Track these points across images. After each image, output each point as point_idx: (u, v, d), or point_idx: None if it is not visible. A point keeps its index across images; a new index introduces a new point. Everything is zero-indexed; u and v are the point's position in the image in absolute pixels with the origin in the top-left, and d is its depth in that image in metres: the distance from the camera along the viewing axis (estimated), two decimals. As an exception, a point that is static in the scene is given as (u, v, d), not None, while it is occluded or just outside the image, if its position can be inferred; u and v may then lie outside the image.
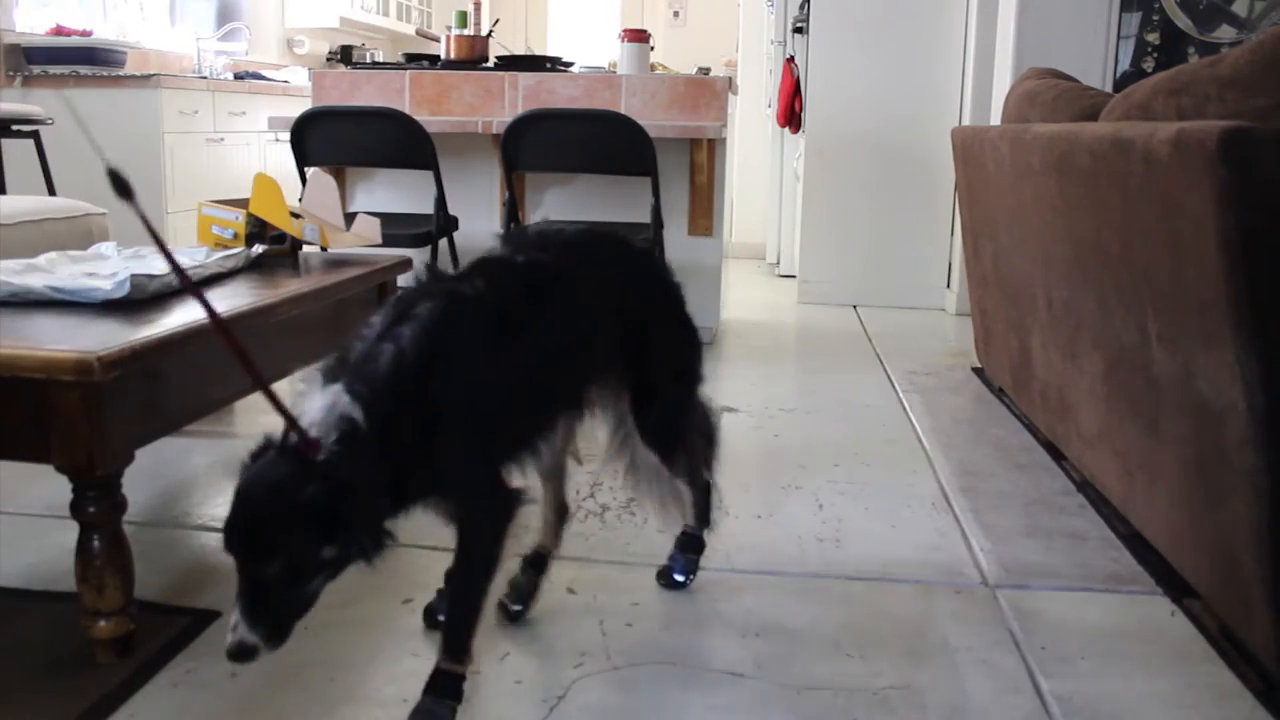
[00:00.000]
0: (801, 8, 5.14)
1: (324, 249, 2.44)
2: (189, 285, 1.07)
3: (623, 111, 3.54)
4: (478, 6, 4.35)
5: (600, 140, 3.29)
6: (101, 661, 1.49)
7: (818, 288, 4.90)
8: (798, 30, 5.21)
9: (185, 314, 1.63)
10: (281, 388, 1.28)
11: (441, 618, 1.53)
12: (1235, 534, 1.51)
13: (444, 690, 1.32)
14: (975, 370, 3.47)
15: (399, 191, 3.92)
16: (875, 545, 2.03)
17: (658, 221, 3.33)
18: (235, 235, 2.31)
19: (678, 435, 1.66)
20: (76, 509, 1.46)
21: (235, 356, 1.08)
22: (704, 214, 3.83)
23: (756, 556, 1.96)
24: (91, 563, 1.47)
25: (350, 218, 2.54)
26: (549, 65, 4.02)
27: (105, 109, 4.48)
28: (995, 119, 4.08)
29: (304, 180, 3.22)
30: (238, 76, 5.58)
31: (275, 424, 1.17)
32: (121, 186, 0.96)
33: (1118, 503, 2.08)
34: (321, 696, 1.45)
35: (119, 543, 1.49)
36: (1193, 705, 1.47)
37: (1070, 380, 2.30)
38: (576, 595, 1.78)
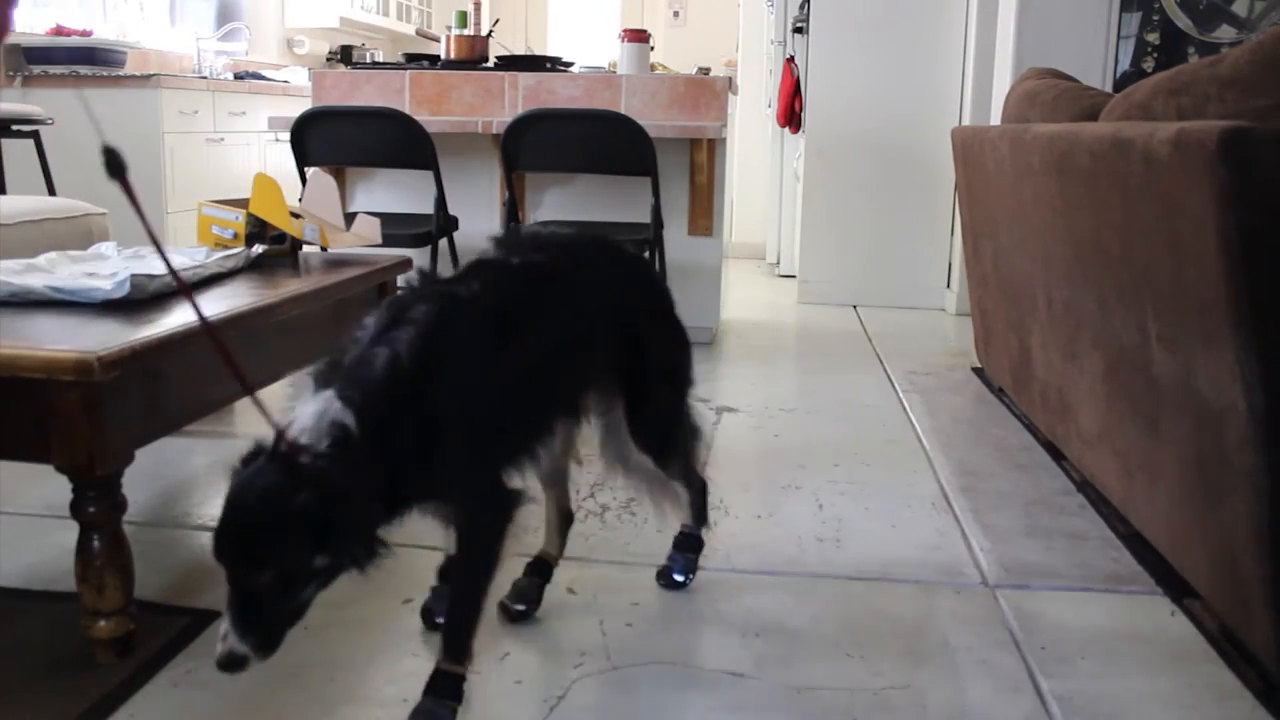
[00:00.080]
0: (801, 8, 5.14)
1: (324, 249, 2.44)
2: (180, 285, 1.06)
3: (623, 111, 3.54)
4: (478, 6, 4.35)
5: (600, 140, 3.29)
6: (101, 661, 1.49)
7: (818, 288, 4.90)
8: (798, 30, 5.21)
9: (185, 314, 1.63)
10: (281, 389, 1.28)
11: (440, 620, 1.53)
12: (1235, 534, 1.51)
13: (444, 690, 1.32)
14: (975, 370, 3.47)
15: (399, 191, 3.92)
16: (875, 545, 2.03)
17: (658, 221, 3.33)
18: (235, 235, 2.31)
19: (672, 437, 1.66)
20: (76, 509, 1.46)
21: (222, 360, 1.07)
22: (704, 214, 3.83)
23: (756, 556, 1.96)
24: (91, 563, 1.46)
25: (350, 218, 2.54)
26: (549, 65, 4.02)
27: (105, 109, 4.47)
28: (995, 119, 4.08)
29: (304, 180, 3.22)
30: (238, 76, 5.58)
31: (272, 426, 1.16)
32: (115, 165, 0.94)
33: (1118, 503, 2.08)
34: (321, 696, 1.45)
35: (119, 543, 1.49)
36: (1193, 705, 1.47)
37: (1070, 380, 2.30)
38: (576, 595, 1.78)
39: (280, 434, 1.13)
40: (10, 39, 4.44)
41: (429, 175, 3.36)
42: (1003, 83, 4.05)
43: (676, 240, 3.76)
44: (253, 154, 5.29)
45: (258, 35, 6.32)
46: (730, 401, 3.07)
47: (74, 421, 1.40)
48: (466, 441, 1.29)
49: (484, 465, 1.34)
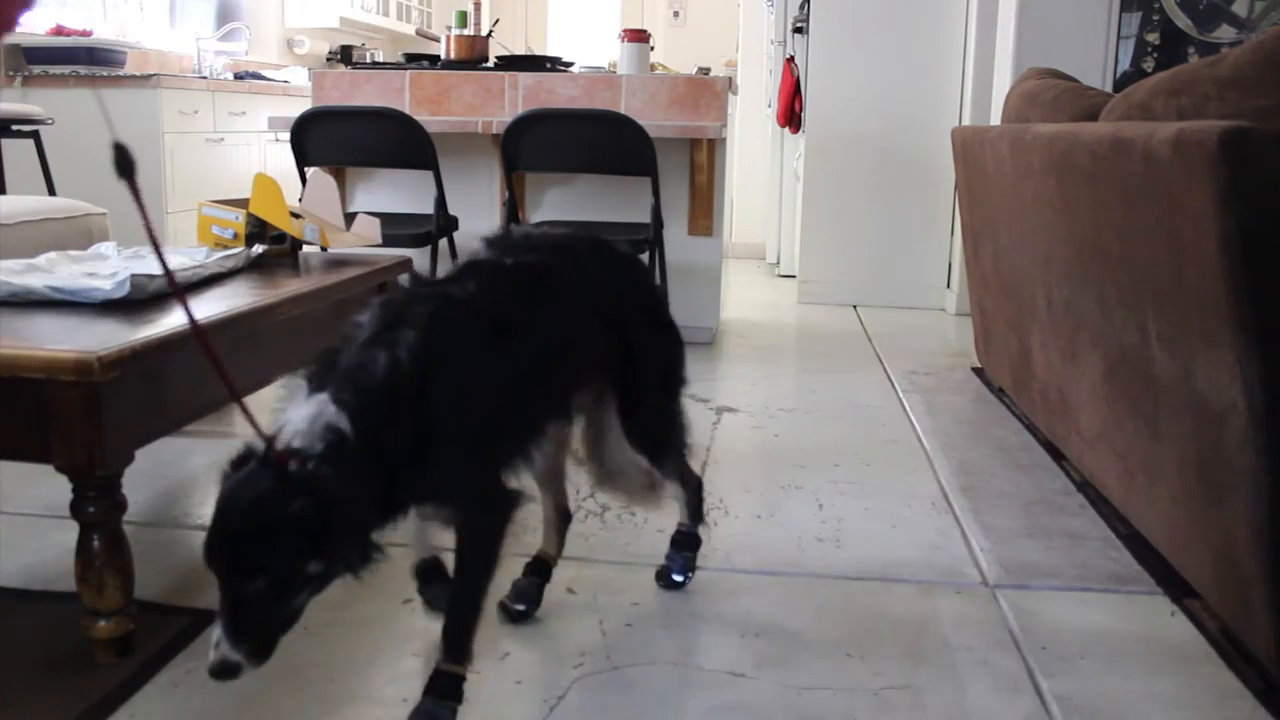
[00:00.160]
0: (801, 8, 5.14)
1: (324, 249, 2.44)
2: (173, 285, 1.04)
3: (623, 111, 3.54)
4: (478, 6, 4.35)
5: (600, 140, 3.29)
6: (101, 661, 1.49)
7: (818, 288, 4.90)
8: (798, 30, 5.21)
9: (185, 315, 1.63)
10: (274, 390, 1.27)
11: (427, 604, 1.52)
12: (1235, 534, 1.51)
13: (444, 691, 1.32)
14: (975, 370, 3.47)
15: (399, 191, 3.92)
16: (875, 545, 2.02)
17: (658, 221, 3.33)
18: (235, 235, 2.31)
19: (666, 437, 1.66)
20: (76, 509, 1.46)
21: (210, 365, 1.05)
22: (704, 214, 3.83)
23: (756, 556, 1.96)
24: (91, 563, 1.46)
25: (350, 218, 2.54)
26: (549, 65, 4.02)
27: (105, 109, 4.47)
28: (995, 119, 4.08)
29: (304, 180, 3.22)
30: (238, 76, 5.58)
31: (270, 427, 1.16)
32: (124, 164, 0.92)
33: (1118, 503, 2.08)
34: (321, 696, 1.45)
35: (119, 543, 1.49)
36: (1193, 705, 1.47)
37: (1070, 380, 2.30)
38: (576, 595, 1.78)
39: (271, 439, 1.11)
40: (10, 39, 4.45)
41: (429, 175, 3.36)
42: (1003, 83, 4.05)
43: (676, 240, 3.76)
44: (253, 154, 5.29)
45: (258, 35, 6.32)
46: (730, 401, 3.07)
47: (74, 421, 1.40)
48: (465, 443, 1.28)
49: (482, 466, 1.34)
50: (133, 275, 1.71)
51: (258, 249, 2.22)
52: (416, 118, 3.31)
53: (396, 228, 3.23)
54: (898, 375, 3.43)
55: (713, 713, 1.43)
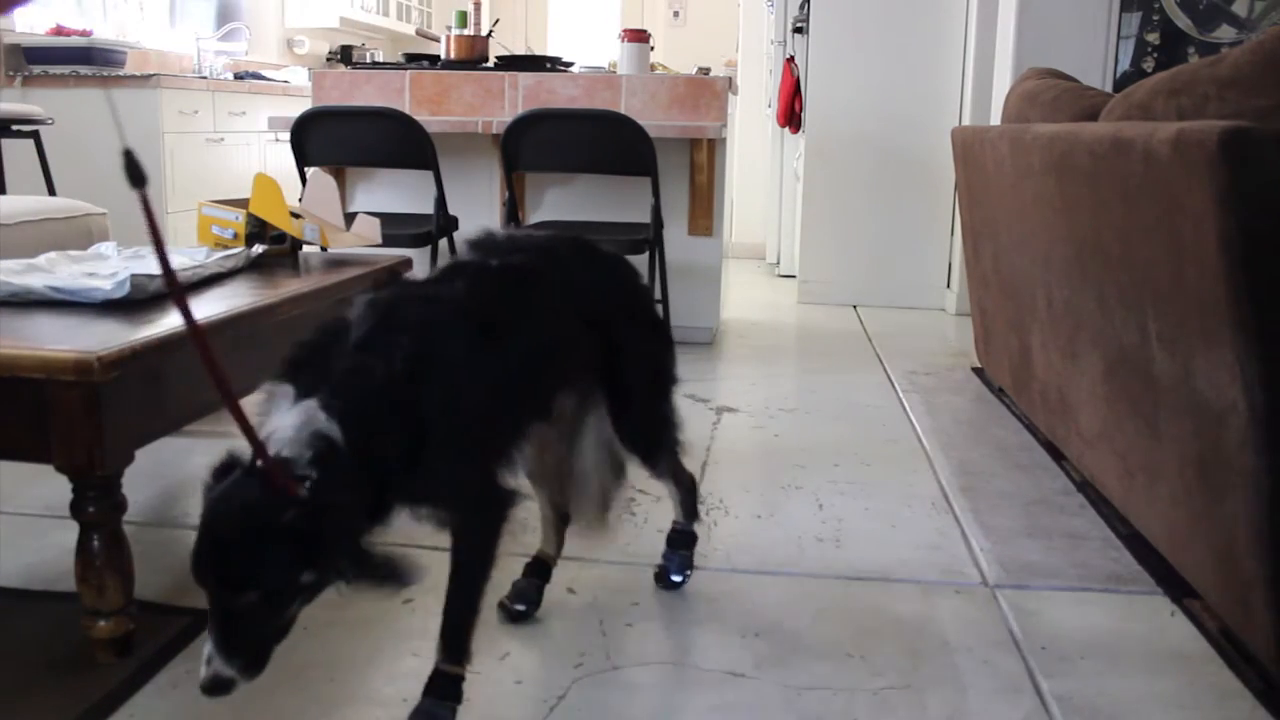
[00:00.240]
0: (801, 8, 5.14)
1: (324, 249, 2.44)
2: (173, 285, 1.03)
3: (623, 111, 3.54)
4: (478, 6, 4.35)
5: (600, 140, 3.28)
6: (101, 661, 1.49)
7: (818, 288, 4.90)
8: (798, 30, 5.21)
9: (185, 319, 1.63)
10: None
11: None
12: (1235, 534, 1.51)
13: (444, 691, 1.32)
14: (975, 370, 3.47)
15: (399, 191, 3.92)
16: (875, 545, 2.02)
17: (658, 222, 3.33)
18: (235, 235, 2.31)
19: (659, 436, 1.66)
20: (76, 509, 1.46)
21: (206, 368, 1.02)
22: (704, 214, 3.83)
23: (756, 556, 1.96)
24: (91, 563, 1.46)
25: (350, 218, 2.54)
26: (549, 65, 4.02)
27: (105, 109, 4.47)
28: (995, 119, 4.08)
29: (304, 180, 3.22)
30: (238, 76, 5.58)
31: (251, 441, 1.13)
32: (136, 176, 0.90)
33: (1118, 503, 2.08)
34: (321, 696, 1.45)
35: (119, 543, 1.49)
36: (1193, 705, 1.47)
37: (1070, 380, 2.30)
38: (576, 595, 1.78)
39: (260, 448, 1.08)
40: (10, 39, 4.45)
41: (429, 175, 3.36)
42: (1003, 83, 4.05)
43: (676, 240, 3.76)
44: (253, 154, 5.29)
45: (258, 35, 6.32)
46: (730, 401, 3.07)
47: (74, 421, 1.40)
48: (458, 444, 1.27)
49: (475, 467, 1.33)
50: (133, 275, 1.71)
51: (258, 249, 2.22)
52: (416, 118, 3.31)
53: (396, 228, 3.23)
54: (898, 375, 3.43)
55: (712, 713, 1.43)
